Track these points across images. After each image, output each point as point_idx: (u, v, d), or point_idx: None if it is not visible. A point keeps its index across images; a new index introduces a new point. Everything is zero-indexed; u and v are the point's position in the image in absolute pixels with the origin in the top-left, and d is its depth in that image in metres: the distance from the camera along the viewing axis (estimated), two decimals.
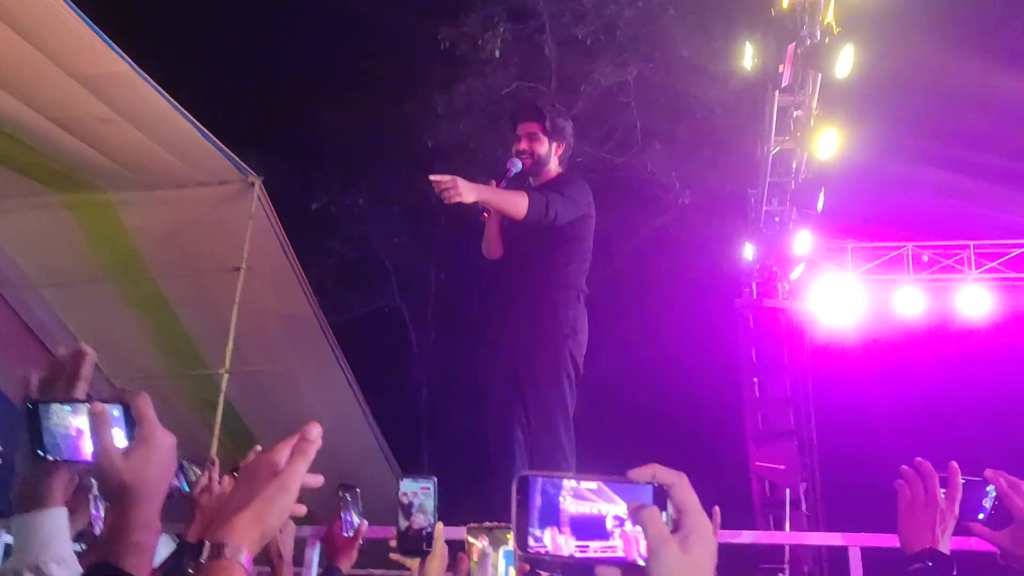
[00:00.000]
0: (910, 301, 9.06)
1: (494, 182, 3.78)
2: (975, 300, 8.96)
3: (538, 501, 1.02)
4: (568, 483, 1.02)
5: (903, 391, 10.44)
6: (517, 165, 3.92)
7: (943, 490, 1.70)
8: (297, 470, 1.17)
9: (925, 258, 9.22)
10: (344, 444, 8.61)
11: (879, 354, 9.75)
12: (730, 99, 13.22)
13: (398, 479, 2.06)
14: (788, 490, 7.58)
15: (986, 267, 9.14)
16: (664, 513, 0.96)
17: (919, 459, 1.73)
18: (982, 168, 10.49)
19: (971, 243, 9.21)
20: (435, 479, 2.00)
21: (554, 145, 4.00)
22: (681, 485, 0.96)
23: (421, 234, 16.52)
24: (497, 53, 13.50)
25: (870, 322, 9.25)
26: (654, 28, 13.48)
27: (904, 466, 1.74)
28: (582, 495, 1.01)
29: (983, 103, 10.59)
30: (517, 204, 3.68)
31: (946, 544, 1.66)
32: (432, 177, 3.47)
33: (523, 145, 3.97)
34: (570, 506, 1.01)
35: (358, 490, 2.75)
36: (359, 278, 16.30)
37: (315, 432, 1.21)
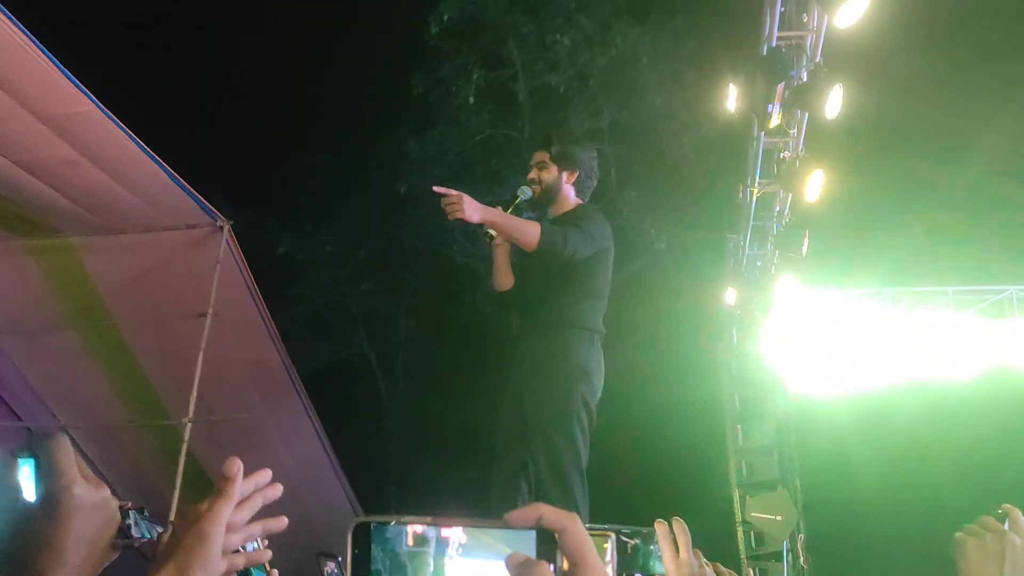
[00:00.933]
0: (892, 346, 9.01)
1: (500, 207, 3.62)
2: (958, 343, 8.93)
3: (407, 561, 0.80)
4: (451, 534, 0.80)
5: (885, 439, 10.36)
6: (526, 193, 3.80)
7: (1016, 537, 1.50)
8: (215, 514, 1.04)
9: (906, 304, 9.21)
10: (312, 496, 8.40)
11: (861, 400, 9.67)
12: (703, 146, 13.32)
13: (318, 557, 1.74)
14: (786, 541, 7.36)
15: (968, 312, 9.14)
16: (553, 566, 0.76)
17: (986, 517, 1.53)
18: (962, 213, 10.60)
19: (950, 289, 9.22)
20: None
21: (564, 173, 3.86)
22: (574, 531, 0.77)
23: (390, 280, 16.36)
24: (471, 100, 13.49)
25: (852, 367, 9.18)
26: (627, 76, 13.59)
27: (969, 525, 1.54)
28: (472, 549, 0.79)
29: (966, 148, 10.73)
30: (527, 232, 3.49)
31: None
32: (437, 189, 3.37)
33: (532, 174, 3.88)
34: (460, 569, 0.80)
35: (340, 559, 2.47)
36: (327, 325, 16.07)
37: (233, 468, 1.08)
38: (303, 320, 15.21)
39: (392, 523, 0.81)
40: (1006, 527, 1.51)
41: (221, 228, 6.51)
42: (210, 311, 6.50)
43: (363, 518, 0.83)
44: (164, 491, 6.76)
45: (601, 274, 3.79)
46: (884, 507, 10.57)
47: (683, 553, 1.51)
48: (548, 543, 0.77)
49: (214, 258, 6.45)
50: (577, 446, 3.47)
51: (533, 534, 0.77)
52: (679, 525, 1.53)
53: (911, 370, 9.12)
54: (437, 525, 0.80)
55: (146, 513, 2.76)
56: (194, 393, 6.33)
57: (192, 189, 6.13)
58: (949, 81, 10.82)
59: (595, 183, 4.00)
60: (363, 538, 0.81)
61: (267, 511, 1.16)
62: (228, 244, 6.57)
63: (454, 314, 16.24)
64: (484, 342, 16.14)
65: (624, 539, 1.63)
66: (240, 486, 1.10)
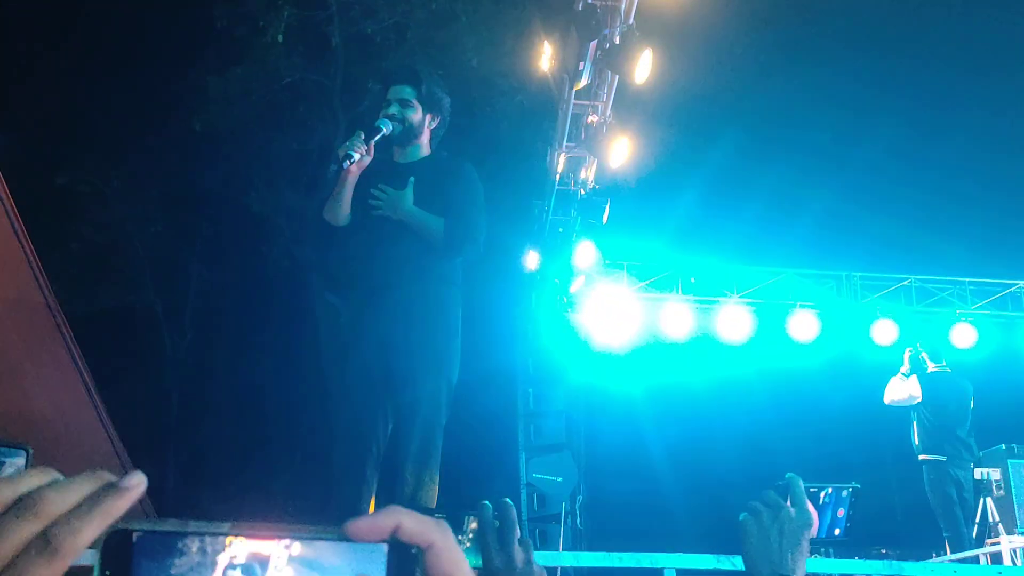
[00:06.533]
0: (678, 321, 9.43)
1: (363, 133, 3.44)
2: (735, 323, 9.49)
3: None
4: (263, 550, 0.54)
5: (669, 408, 10.88)
6: (388, 126, 3.55)
7: (792, 508, 1.47)
8: None
9: (693, 280, 9.65)
10: (76, 453, 7.77)
11: (648, 371, 10.06)
12: (517, 113, 13.35)
13: None
14: (564, 503, 7.51)
15: (746, 291, 9.73)
16: None
17: (766, 491, 1.50)
18: (750, 194, 11.24)
19: (734, 267, 9.78)
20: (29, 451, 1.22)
21: (428, 116, 3.66)
22: (445, 548, 0.57)
23: (182, 225, 15.33)
24: (280, 39, 12.74)
25: (641, 338, 9.53)
26: (445, 34, 13.34)
27: (752, 502, 1.49)
28: (297, 570, 0.54)
29: (757, 124, 11.34)
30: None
31: (802, 569, 1.42)
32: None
33: (394, 109, 3.61)
34: None
35: None
36: (107, 267, 14.83)
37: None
38: (79, 259, 13.96)
39: (167, 533, 0.54)
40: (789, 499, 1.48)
41: None
42: None
43: (121, 525, 0.54)
44: None
45: None
46: (665, 471, 11.12)
47: (507, 547, 1.28)
48: (405, 562, 0.56)
49: None
50: (444, 406, 3.40)
51: (385, 549, 0.56)
52: (506, 511, 1.30)
53: (694, 341, 9.60)
54: (240, 535, 0.55)
55: None
56: None
57: None
58: (767, 61, 11.32)
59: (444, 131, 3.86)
60: (122, 555, 0.53)
61: None
62: None
63: (249, 265, 15.48)
64: (280, 296, 15.54)
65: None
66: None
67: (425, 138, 3.70)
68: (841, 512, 1.59)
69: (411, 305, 3.45)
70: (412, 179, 3.53)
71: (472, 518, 1.32)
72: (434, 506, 3.26)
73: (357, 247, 3.60)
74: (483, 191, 3.69)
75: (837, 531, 1.57)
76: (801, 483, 1.51)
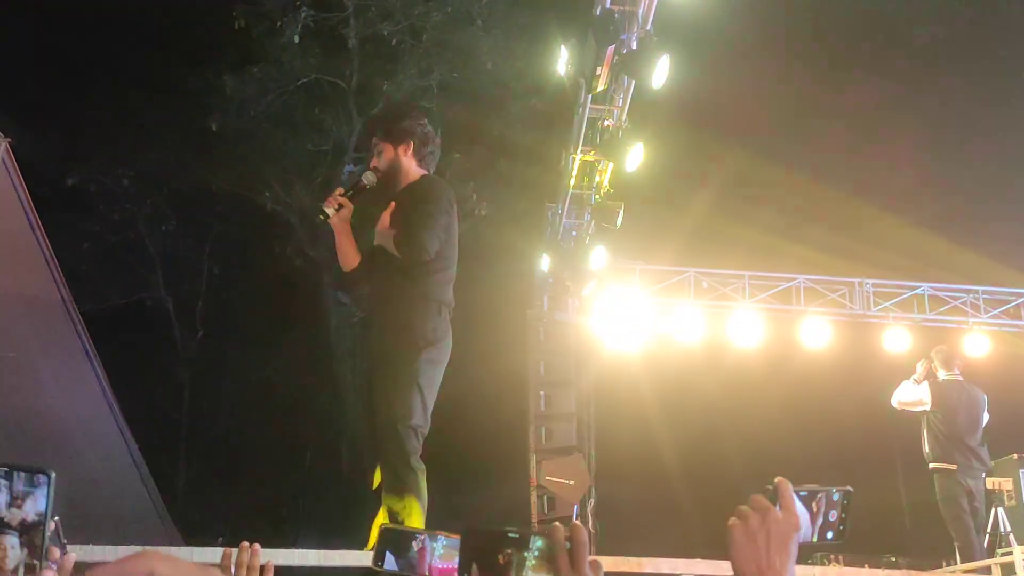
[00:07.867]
0: (690, 325, 9.43)
1: (341, 189, 3.84)
2: (746, 328, 9.49)
3: None
4: None
5: (679, 412, 10.88)
6: (369, 178, 3.85)
7: (780, 512, 1.47)
8: None
9: (705, 285, 9.66)
10: (88, 446, 7.88)
11: (659, 374, 10.07)
12: (531, 116, 13.39)
13: None
14: (576, 506, 7.53)
15: (758, 297, 9.73)
16: None
17: (755, 496, 1.49)
18: (763, 200, 11.25)
19: (746, 273, 9.77)
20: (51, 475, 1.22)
21: (400, 148, 3.88)
22: None
23: (194, 223, 15.41)
24: (296, 39, 12.83)
25: (652, 342, 9.54)
26: (461, 37, 13.41)
27: (741, 507, 1.49)
28: None
29: (772, 130, 11.35)
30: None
31: (791, 573, 1.42)
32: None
33: (373, 162, 3.93)
34: None
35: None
36: (120, 265, 14.94)
37: None
38: (92, 258, 14.06)
39: None
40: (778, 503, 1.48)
41: None
42: None
43: None
44: None
45: (447, 246, 3.83)
46: (676, 476, 11.14)
47: (579, 568, 1.31)
48: None
49: None
50: (415, 409, 3.58)
51: None
52: (578, 533, 1.33)
53: (705, 345, 9.59)
54: None
55: None
56: None
57: None
58: (782, 67, 11.32)
59: (436, 147, 4.04)
60: None
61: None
62: (5, 163, 5.97)
63: (262, 264, 15.54)
64: (292, 295, 15.60)
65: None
66: None
67: (409, 166, 3.90)
68: (833, 515, 1.58)
69: (384, 320, 3.79)
70: (394, 205, 3.81)
71: (540, 537, 1.36)
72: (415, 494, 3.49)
73: (366, 278, 3.98)
74: (445, 206, 3.82)
75: (829, 534, 1.56)
76: (790, 486, 1.51)
